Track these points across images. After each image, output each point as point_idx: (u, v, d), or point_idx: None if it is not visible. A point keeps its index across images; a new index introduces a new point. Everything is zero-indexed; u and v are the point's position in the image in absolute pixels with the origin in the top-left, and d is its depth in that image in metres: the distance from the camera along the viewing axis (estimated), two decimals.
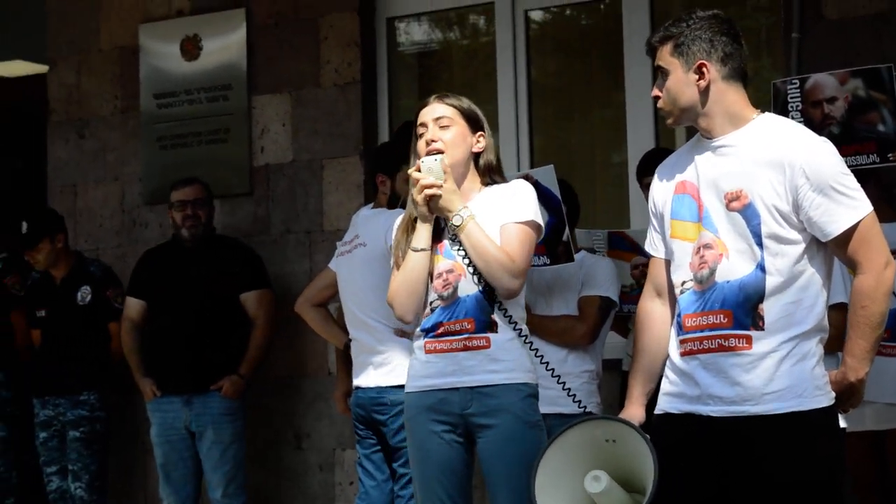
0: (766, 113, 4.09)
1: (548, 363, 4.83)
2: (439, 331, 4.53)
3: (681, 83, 3.98)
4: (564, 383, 4.79)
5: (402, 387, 5.55)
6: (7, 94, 8.59)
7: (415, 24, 7.50)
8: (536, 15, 7.25)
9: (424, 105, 4.64)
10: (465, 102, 4.67)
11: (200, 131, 7.55)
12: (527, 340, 4.56)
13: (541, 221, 4.63)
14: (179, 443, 6.79)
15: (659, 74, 4.04)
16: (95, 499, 7.09)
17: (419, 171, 4.51)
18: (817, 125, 5.24)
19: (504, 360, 4.52)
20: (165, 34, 7.68)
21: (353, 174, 7.10)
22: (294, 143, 7.33)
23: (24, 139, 8.45)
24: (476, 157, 4.65)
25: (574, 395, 4.79)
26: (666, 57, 4.00)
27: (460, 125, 4.61)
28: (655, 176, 4.21)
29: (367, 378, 5.79)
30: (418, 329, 4.61)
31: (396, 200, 5.74)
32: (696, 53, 3.98)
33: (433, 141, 4.55)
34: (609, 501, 3.99)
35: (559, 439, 4.07)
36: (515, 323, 4.54)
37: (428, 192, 4.47)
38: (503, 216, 4.55)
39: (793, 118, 5.21)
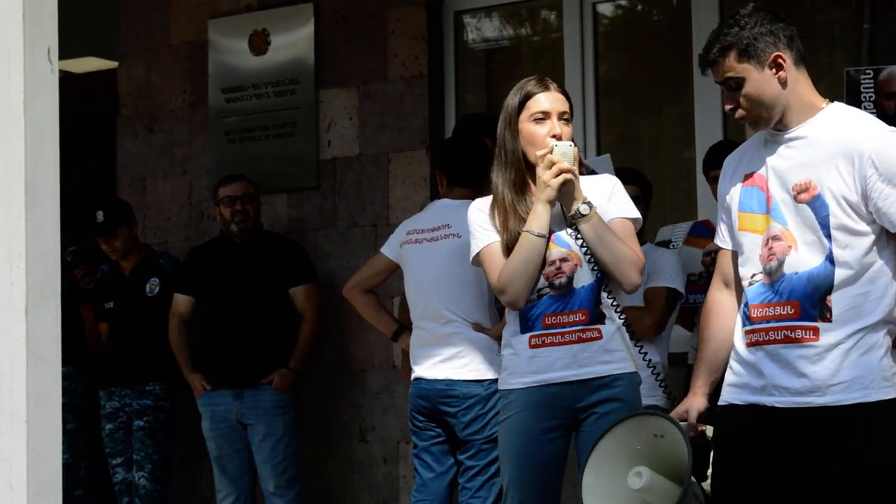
0: (836, 102, 4.04)
1: (647, 353, 4.74)
2: (546, 322, 4.49)
3: (761, 83, 3.93)
4: (659, 374, 4.75)
5: (475, 381, 5.56)
6: (78, 90, 8.64)
7: (482, 18, 7.48)
8: (605, 9, 7.21)
9: (543, 90, 4.58)
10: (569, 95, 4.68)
11: (268, 125, 7.57)
12: (629, 330, 4.56)
13: (640, 217, 4.66)
14: (231, 435, 6.84)
15: (726, 87, 3.98)
16: (159, 488, 7.13)
17: (551, 153, 4.46)
18: (891, 117, 5.19)
19: (615, 350, 4.52)
20: (234, 29, 7.71)
21: (419, 167, 7.09)
22: (361, 136, 7.34)
23: (95, 135, 8.51)
24: None
25: (666, 387, 4.76)
26: (734, 66, 3.93)
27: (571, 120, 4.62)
28: (723, 168, 4.19)
29: (433, 370, 5.76)
30: (514, 320, 4.56)
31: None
32: (766, 49, 3.93)
33: (559, 136, 4.51)
34: (656, 496, 3.98)
35: (607, 437, 4.10)
36: (619, 314, 4.53)
37: (565, 176, 4.43)
38: (610, 210, 4.54)
39: (865, 108, 5.16)
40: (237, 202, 6.90)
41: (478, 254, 4.62)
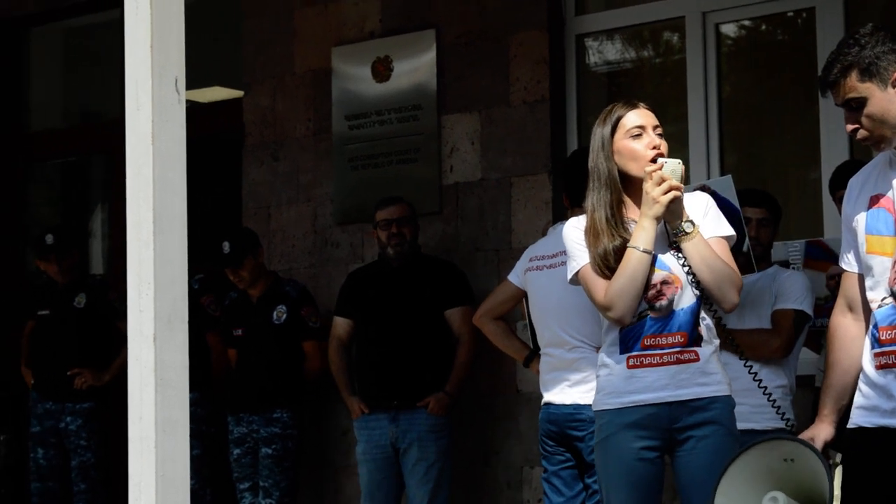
0: None
1: (756, 373, 4.72)
2: (645, 343, 4.48)
3: (884, 102, 3.87)
4: (770, 395, 4.70)
5: None
6: (204, 119, 8.77)
7: (604, 41, 7.46)
8: (728, 29, 7.16)
9: (632, 108, 4.60)
10: None
11: (391, 151, 7.61)
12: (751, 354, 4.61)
13: (734, 234, 4.64)
14: (385, 461, 6.83)
15: (847, 108, 3.93)
16: None
17: (660, 169, 4.47)
18: None
19: (713, 372, 4.50)
20: (357, 56, 7.76)
21: (541, 191, 7.08)
22: (483, 161, 7.35)
23: (221, 163, 8.62)
24: None
25: (779, 408, 4.71)
26: (855, 85, 3.88)
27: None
28: (847, 190, 4.12)
29: (562, 395, 5.76)
30: (613, 341, 4.55)
31: None
32: (889, 67, 3.88)
33: (658, 146, 4.53)
34: None
35: (737, 461, 4.06)
36: (714, 336, 4.52)
37: (675, 193, 4.43)
38: (705, 229, 4.53)
39: None
40: (393, 225, 6.93)
41: (577, 273, 4.63)
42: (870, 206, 3.98)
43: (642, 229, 4.46)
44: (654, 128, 4.57)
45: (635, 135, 4.54)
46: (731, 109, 7.14)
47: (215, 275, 7.71)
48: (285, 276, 7.62)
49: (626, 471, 4.51)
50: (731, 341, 4.75)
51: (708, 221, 4.57)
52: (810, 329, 5.77)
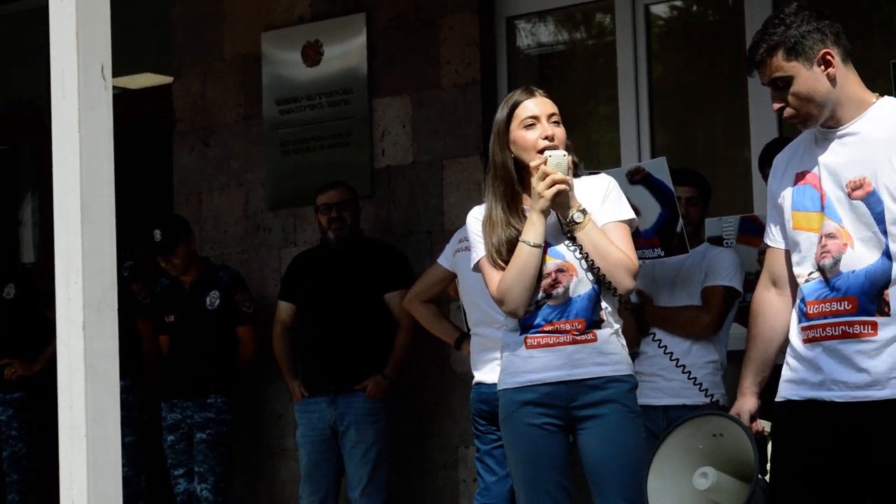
0: (886, 97, 4.01)
1: (672, 353, 4.79)
2: (545, 328, 4.51)
3: (810, 81, 3.90)
4: (690, 373, 4.74)
5: None
6: (134, 106, 8.72)
7: (535, 23, 7.48)
8: (658, 10, 7.19)
9: (529, 97, 4.59)
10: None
11: (322, 136, 7.60)
12: (620, 335, 4.57)
13: (635, 217, 4.65)
14: (323, 443, 6.85)
15: (773, 87, 3.95)
16: (221, 500, 7.17)
17: (545, 164, 4.47)
18: None
19: (611, 353, 4.52)
20: (287, 41, 7.74)
21: (473, 174, 7.09)
22: (414, 144, 7.35)
23: (153, 150, 8.58)
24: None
25: (700, 385, 4.75)
26: (782, 65, 3.90)
27: (562, 123, 4.61)
28: (774, 165, 4.16)
29: (492, 374, 5.76)
30: (513, 324, 4.58)
31: None
32: (814, 46, 3.90)
33: (552, 137, 4.53)
34: (722, 495, 3.99)
35: (668, 440, 4.10)
36: (615, 317, 4.55)
37: (558, 187, 4.43)
38: (603, 214, 4.54)
39: None
40: (333, 209, 6.92)
41: (477, 263, 4.66)
42: (796, 183, 4.01)
43: (531, 223, 4.48)
44: (550, 116, 4.55)
45: (528, 125, 4.54)
46: (662, 90, 7.17)
47: (145, 262, 7.68)
48: (217, 262, 7.60)
49: (529, 446, 4.54)
50: (639, 319, 4.76)
51: (607, 206, 4.57)
52: (741, 304, 5.82)
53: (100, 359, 3.68)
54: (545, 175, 4.44)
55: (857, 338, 3.83)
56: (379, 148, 7.45)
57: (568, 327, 4.50)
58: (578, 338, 4.49)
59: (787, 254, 4.06)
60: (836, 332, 3.86)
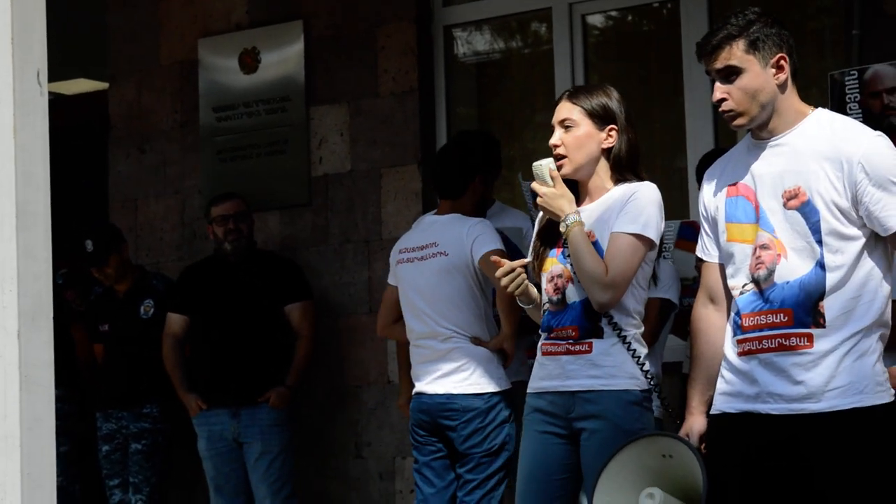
0: (820, 109, 4.03)
1: (648, 371, 4.70)
2: (552, 334, 4.54)
3: (761, 79, 3.91)
4: (661, 391, 4.71)
5: (475, 395, 5.59)
6: (69, 111, 8.66)
7: (472, 32, 7.49)
8: (594, 20, 7.22)
9: (560, 100, 4.61)
10: (595, 100, 4.56)
11: (259, 143, 7.57)
12: (630, 347, 4.49)
13: (650, 233, 4.50)
14: (228, 454, 6.83)
15: (719, 76, 3.95)
16: None
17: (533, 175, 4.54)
18: (876, 116, 5.19)
19: (604, 365, 4.47)
20: (224, 48, 7.71)
21: (411, 182, 7.09)
22: (352, 152, 7.34)
23: (88, 156, 8.52)
24: (608, 152, 4.58)
25: (663, 399, 4.72)
26: (738, 55, 3.91)
27: (585, 124, 4.54)
28: (704, 180, 4.16)
29: (433, 385, 5.75)
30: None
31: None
32: (772, 48, 3.92)
33: (556, 146, 4.53)
34: None
35: (615, 458, 4.08)
36: (621, 329, 4.49)
37: (538, 199, 4.48)
38: (616, 223, 4.48)
39: (850, 110, 5.16)
40: (230, 221, 6.90)
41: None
42: (728, 195, 4.02)
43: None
44: (562, 121, 4.55)
45: (552, 132, 4.59)
46: None
47: (79, 269, 7.61)
48: (153, 270, 7.55)
49: (531, 451, 4.58)
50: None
51: (621, 216, 4.48)
52: (679, 310, 5.84)
53: (35, 368, 3.64)
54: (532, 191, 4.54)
55: (793, 350, 3.85)
56: (316, 156, 7.43)
57: (563, 334, 4.50)
58: (572, 348, 4.48)
59: (722, 267, 4.07)
60: (773, 345, 3.87)
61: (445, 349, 5.73)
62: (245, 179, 7.51)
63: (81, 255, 7.24)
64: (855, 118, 4.65)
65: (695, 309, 4.17)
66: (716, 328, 4.08)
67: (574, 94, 4.59)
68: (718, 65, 3.94)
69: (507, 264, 4.49)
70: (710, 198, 4.09)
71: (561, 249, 4.54)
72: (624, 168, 4.58)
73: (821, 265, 3.84)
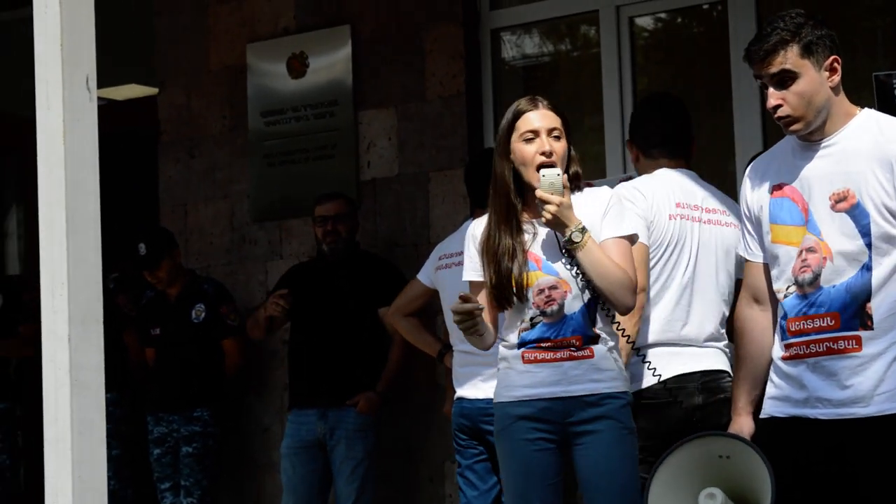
0: (867, 109, 4.00)
1: (650, 363, 4.74)
2: (545, 344, 4.49)
3: (815, 83, 3.88)
4: (655, 369, 4.72)
5: None
6: (119, 117, 8.70)
7: (521, 35, 7.48)
8: (643, 22, 7.20)
9: (532, 108, 4.55)
10: (563, 112, 4.62)
11: (307, 148, 7.59)
12: (615, 350, 4.54)
13: (637, 232, 4.60)
14: (310, 456, 6.80)
15: (773, 81, 3.91)
16: None
17: (539, 182, 4.45)
18: None
19: (607, 369, 4.50)
20: (272, 53, 7.73)
21: (459, 186, 7.08)
22: (400, 156, 7.34)
23: (137, 161, 8.57)
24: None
25: (660, 377, 4.73)
26: (794, 59, 3.87)
27: (565, 137, 4.56)
28: (747, 179, 4.13)
29: (474, 389, 5.77)
30: (511, 340, 4.57)
31: None
32: (824, 52, 3.89)
33: (550, 153, 4.49)
34: None
35: (672, 456, 4.02)
36: (612, 334, 4.53)
37: (551, 211, 4.40)
38: (603, 230, 4.50)
39: None
40: (329, 222, 6.89)
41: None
42: (772, 195, 4.00)
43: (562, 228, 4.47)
44: (550, 131, 4.51)
45: (528, 139, 4.50)
46: None
47: (131, 274, 7.65)
48: (203, 274, 7.58)
49: (521, 460, 4.53)
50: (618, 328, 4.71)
51: (608, 221, 4.52)
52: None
53: (85, 372, 3.67)
54: (542, 201, 4.41)
55: (841, 353, 3.82)
56: (364, 160, 7.44)
57: (565, 344, 4.48)
58: (575, 354, 4.47)
59: (767, 267, 4.04)
60: (821, 349, 3.85)
61: (486, 354, 5.72)
62: (294, 184, 7.53)
63: (134, 259, 7.28)
64: None
65: (738, 308, 4.16)
66: (761, 328, 4.07)
67: (551, 103, 4.58)
68: (773, 69, 3.90)
69: (468, 305, 4.39)
70: (754, 197, 4.07)
71: (542, 259, 4.50)
72: (580, 180, 4.61)
73: (867, 268, 3.81)
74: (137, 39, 8.45)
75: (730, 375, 4.83)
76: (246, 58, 7.82)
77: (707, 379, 4.85)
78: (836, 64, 3.90)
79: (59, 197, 3.72)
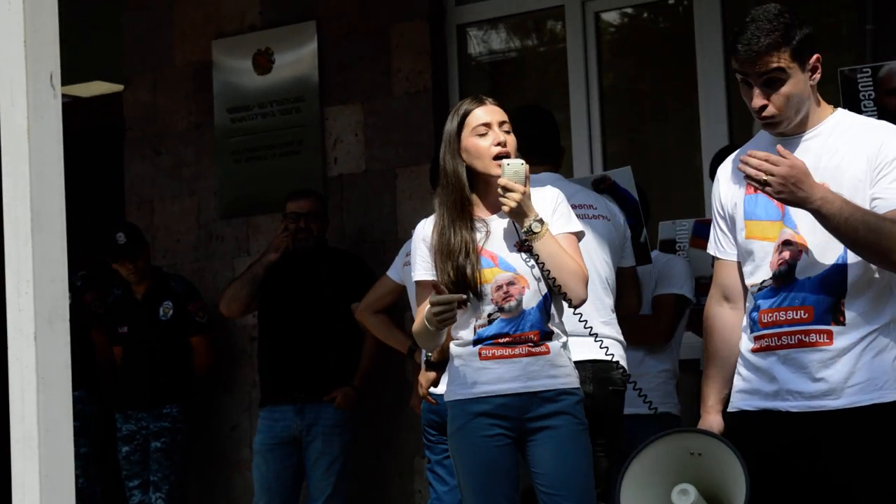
0: (840, 109, 4.01)
1: (612, 355, 4.77)
2: (503, 340, 4.51)
3: (801, 84, 3.86)
4: (636, 383, 4.75)
5: None
6: (85, 114, 8.67)
7: (487, 31, 7.49)
8: (609, 17, 7.21)
9: (479, 104, 4.59)
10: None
11: (274, 144, 7.58)
12: (567, 347, 4.59)
13: (583, 229, 4.66)
14: (284, 452, 6.80)
15: (759, 81, 3.86)
16: None
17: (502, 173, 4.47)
18: (892, 113, 5.14)
19: (562, 365, 4.54)
20: (238, 49, 7.72)
21: (426, 182, 7.04)
22: (367, 152, 7.34)
23: (104, 158, 8.54)
24: None
25: (645, 396, 4.75)
26: (786, 62, 3.83)
27: (512, 132, 4.59)
28: (719, 178, 4.10)
29: (442, 385, 5.75)
30: (466, 337, 4.57)
31: None
32: (808, 52, 3.87)
33: (504, 143, 4.52)
34: None
35: (642, 453, 4.01)
36: (563, 329, 4.57)
37: (514, 195, 4.42)
38: (553, 226, 4.53)
39: (865, 107, 5.13)
40: (301, 219, 6.89)
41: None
42: (747, 192, 3.98)
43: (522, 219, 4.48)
44: (501, 124, 4.55)
45: (480, 133, 4.53)
46: (613, 97, 7.19)
47: (98, 271, 7.62)
48: (170, 272, 7.56)
49: (483, 458, 4.54)
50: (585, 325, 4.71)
51: (556, 218, 4.57)
52: (694, 308, 5.83)
53: (52, 370, 3.65)
54: (504, 189, 4.43)
55: (813, 346, 3.82)
56: (331, 156, 7.44)
57: (523, 339, 4.49)
58: (533, 350, 4.49)
59: (738, 266, 4.04)
60: (793, 342, 3.85)
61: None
62: (260, 180, 7.53)
63: (112, 249, 7.24)
64: (870, 116, 4.61)
65: (708, 306, 4.15)
66: (730, 326, 4.06)
67: (496, 101, 4.63)
68: (762, 70, 3.85)
69: (445, 296, 4.41)
70: (727, 195, 4.05)
71: (497, 256, 4.51)
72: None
73: (843, 261, 3.81)
74: (103, 36, 8.42)
75: (621, 368, 4.95)
76: (212, 54, 7.80)
77: (597, 368, 4.88)
78: (817, 63, 3.90)
79: (23, 194, 3.70)
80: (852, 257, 3.80)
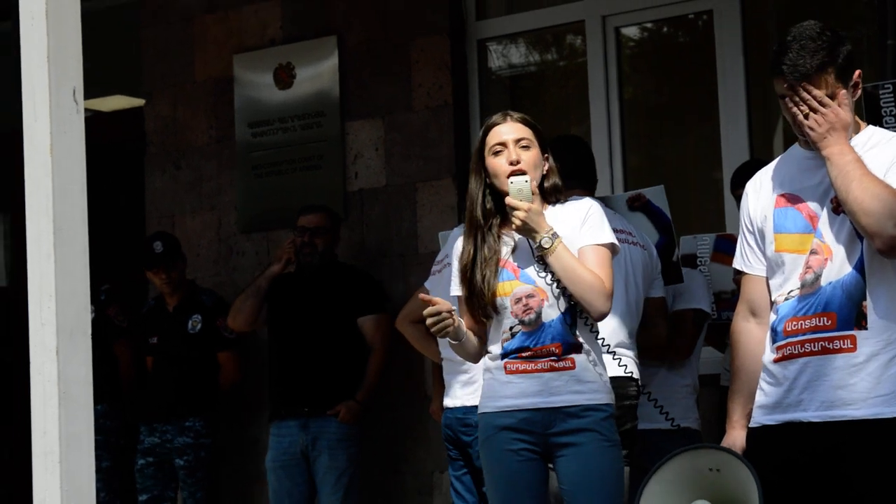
0: (870, 126, 4.00)
1: (626, 366, 4.76)
2: (525, 354, 4.51)
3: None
4: (656, 400, 4.73)
5: None
6: (106, 128, 8.69)
7: (507, 45, 7.49)
8: (629, 32, 7.21)
9: (501, 121, 4.60)
10: (537, 125, 4.65)
11: (294, 158, 7.59)
12: (602, 360, 4.57)
13: (616, 242, 4.61)
14: (294, 468, 6.79)
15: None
16: None
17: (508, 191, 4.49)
18: None
19: (588, 380, 4.51)
20: (259, 64, 7.73)
21: (446, 196, 7.11)
22: (387, 167, 7.35)
23: (125, 173, 8.56)
24: (542, 178, 4.62)
25: (667, 413, 4.74)
26: (831, 82, 3.83)
27: (536, 147, 4.59)
28: (748, 191, 4.10)
29: (454, 398, 5.76)
30: (495, 351, 4.58)
31: None
32: (850, 70, 3.87)
33: (517, 161, 4.53)
34: None
35: (661, 469, 4.00)
36: (594, 344, 4.55)
37: (519, 214, 4.43)
38: (581, 237, 4.53)
39: (887, 123, 5.12)
40: (307, 234, 6.89)
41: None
42: (777, 206, 3.98)
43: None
44: (518, 141, 4.55)
45: (497, 151, 4.55)
46: (633, 111, 7.19)
47: (121, 285, 7.64)
48: (202, 286, 7.56)
49: (506, 471, 4.54)
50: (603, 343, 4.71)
51: (586, 229, 4.56)
52: (715, 323, 5.82)
53: (73, 384, 3.66)
54: (512, 208, 4.45)
55: (837, 353, 3.80)
56: (352, 171, 7.44)
57: (544, 353, 4.49)
58: (556, 364, 4.48)
59: (766, 281, 4.02)
60: (816, 349, 3.84)
61: (463, 361, 5.71)
62: (281, 195, 7.53)
63: (149, 257, 7.27)
64: (892, 130, 4.60)
65: (735, 322, 4.14)
66: (757, 341, 4.04)
67: (522, 116, 4.63)
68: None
69: (435, 306, 4.43)
70: (757, 209, 4.05)
71: (519, 268, 4.52)
72: (559, 193, 4.64)
73: (861, 264, 3.80)
74: (124, 50, 8.44)
75: (635, 380, 4.99)
76: (233, 69, 7.82)
77: (615, 385, 4.88)
78: (859, 79, 3.90)
79: (46, 208, 3.71)
80: (870, 260, 3.80)
